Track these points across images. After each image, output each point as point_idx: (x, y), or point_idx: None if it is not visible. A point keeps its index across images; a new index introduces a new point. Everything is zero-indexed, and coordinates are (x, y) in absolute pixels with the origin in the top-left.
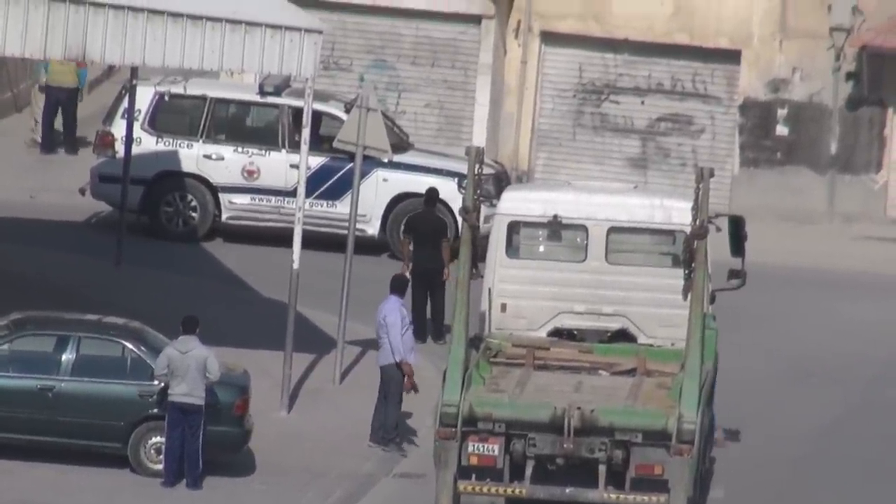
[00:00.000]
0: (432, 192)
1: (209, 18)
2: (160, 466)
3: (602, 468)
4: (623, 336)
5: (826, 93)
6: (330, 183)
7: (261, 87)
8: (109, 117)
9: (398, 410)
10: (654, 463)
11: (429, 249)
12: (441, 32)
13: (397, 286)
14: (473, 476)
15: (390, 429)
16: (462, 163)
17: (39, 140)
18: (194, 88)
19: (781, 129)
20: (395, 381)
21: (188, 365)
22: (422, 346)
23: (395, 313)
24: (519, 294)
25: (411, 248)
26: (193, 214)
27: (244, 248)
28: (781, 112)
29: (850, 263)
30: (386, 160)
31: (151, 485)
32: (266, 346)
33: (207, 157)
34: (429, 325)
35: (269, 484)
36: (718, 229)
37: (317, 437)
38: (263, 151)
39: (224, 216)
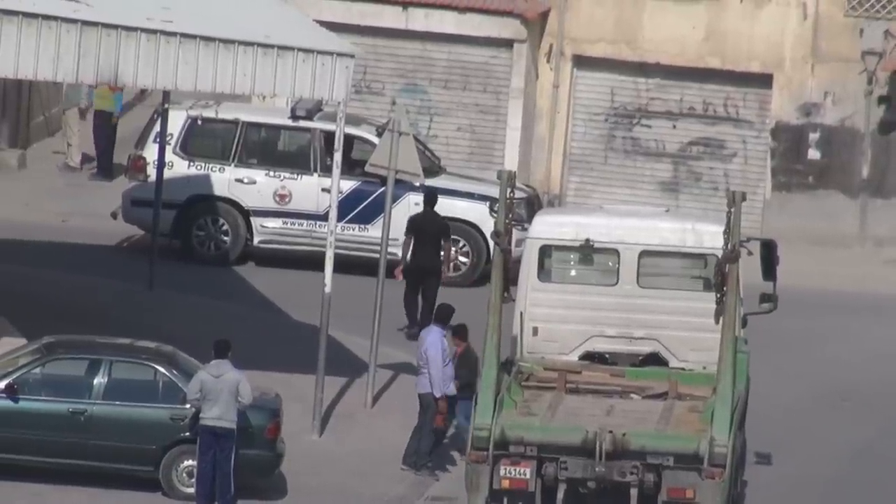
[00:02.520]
0: (432, 193)
1: (241, 42)
2: (192, 490)
3: (634, 492)
4: (655, 360)
5: (858, 117)
6: (362, 207)
7: (293, 111)
8: (141, 141)
9: (432, 438)
10: (685, 486)
11: (429, 249)
12: (473, 56)
13: (441, 316)
14: (505, 499)
15: (423, 454)
16: (494, 187)
17: (74, 164)
18: (226, 112)
19: (813, 153)
20: (432, 409)
21: (221, 389)
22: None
23: (436, 346)
24: (550, 318)
25: (412, 247)
26: (225, 238)
27: (276, 272)
28: (813, 136)
29: (882, 287)
30: (418, 184)
31: None
32: (298, 370)
33: (239, 181)
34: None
35: None
36: (750, 253)
37: (348, 461)
38: (295, 175)
39: (256, 240)
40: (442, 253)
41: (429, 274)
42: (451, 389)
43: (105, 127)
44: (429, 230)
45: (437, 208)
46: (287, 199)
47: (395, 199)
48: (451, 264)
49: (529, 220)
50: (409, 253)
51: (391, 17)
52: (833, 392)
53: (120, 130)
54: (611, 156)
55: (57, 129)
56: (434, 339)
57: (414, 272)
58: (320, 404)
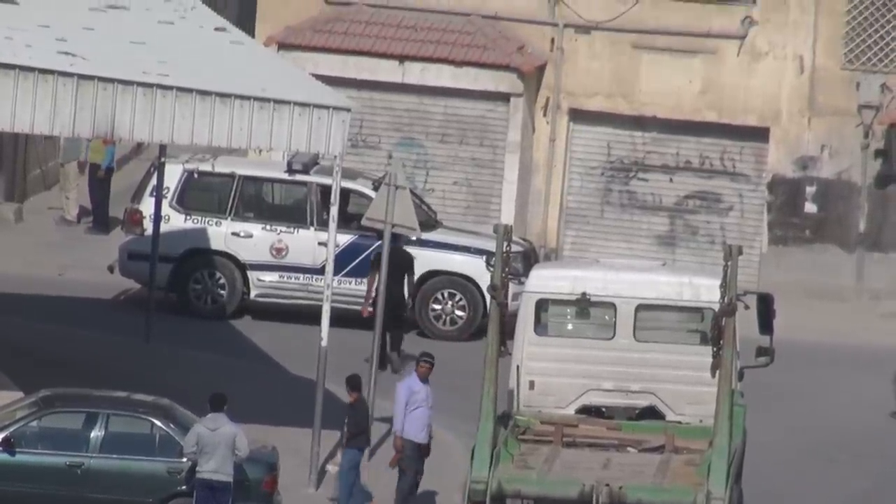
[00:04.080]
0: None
1: (238, 96)
2: None
3: None
4: (651, 413)
5: (855, 170)
6: (358, 260)
7: (289, 164)
8: (138, 195)
9: (406, 480)
10: None
11: (394, 281)
12: (469, 110)
13: (416, 366)
14: None
15: (401, 499)
16: (490, 240)
17: (71, 218)
18: (223, 166)
19: (810, 207)
20: (405, 454)
21: (217, 442)
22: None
23: (402, 388)
24: (547, 371)
25: (376, 283)
26: (222, 292)
27: (273, 325)
28: (810, 189)
29: (878, 340)
30: (414, 238)
31: None
32: (295, 424)
33: (236, 234)
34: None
35: None
36: (747, 307)
37: None
38: (292, 229)
39: (252, 294)
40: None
41: (396, 307)
42: (422, 437)
43: (98, 179)
44: (393, 262)
45: (428, 256)
46: (283, 253)
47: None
48: (447, 318)
49: (526, 273)
50: (375, 288)
51: (387, 71)
52: (829, 445)
53: (116, 184)
54: (607, 209)
55: (54, 183)
56: (403, 382)
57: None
58: (317, 458)
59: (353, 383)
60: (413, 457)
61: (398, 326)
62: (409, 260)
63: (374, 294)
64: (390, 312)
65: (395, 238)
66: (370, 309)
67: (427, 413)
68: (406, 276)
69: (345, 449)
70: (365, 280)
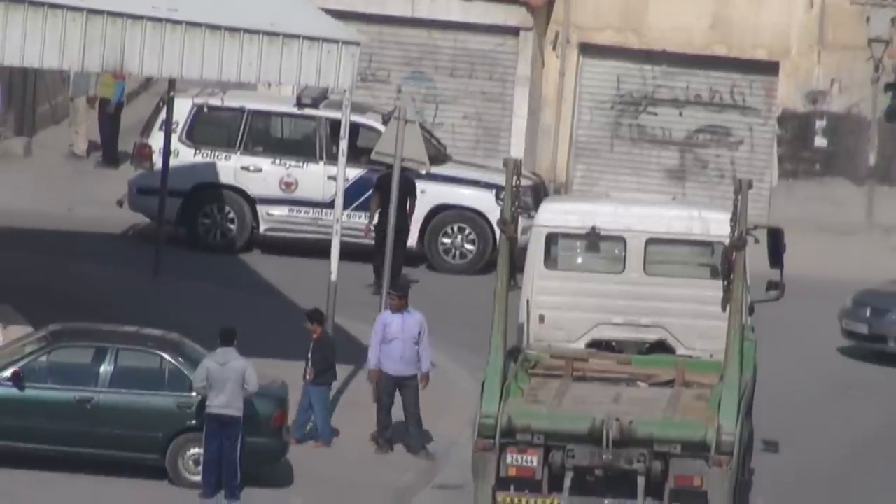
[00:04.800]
0: None
1: (247, 31)
2: (198, 478)
3: (641, 479)
4: (661, 347)
5: (864, 104)
6: (368, 194)
7: (298, 99)
8: (147, 129)
9: (378, 414)
10: (693, 474)
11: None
12: (479, 44)
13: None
14: (512, 487)
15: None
16: (500, 175)
17: (80, 152)
18: (232, 100)
19: (820, 141)
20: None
21: (227, 377)
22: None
23: (377, 322)
24: (557, 305)
25: (378, 206)
26: (231, 226)
27: (282, 259)
28: (820, 123)
29: (889, 274)
30: (424, 172)
31: (190, 496)
32: (304, 358)
33: (245, 168)
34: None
35: (307, 495)
36: (757, 241)
37: (355, 449)
38: (301, 163)
39: (262, 228)
40: (408, 210)
41: (397, 231)
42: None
43: (108, 115)
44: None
45: (438, 190)
46: (293, 187)
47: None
48: (457, 252)
49: (535, 207)
50: (377, 211)
51: (397, 5)
52: (840, 380)
53: (125, 119)
54: (617, 143)
55: (63, 118)
56: (378, 317)
57: (381, 231)
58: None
59: (316, 317)
60: (387, 390)
61: (399, 250)
62: (411, 184)
63: (375, 217)
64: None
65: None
66: (372, 232)
67: (403, 346)
68: (408, 200)
69: (312, 387)
70: None
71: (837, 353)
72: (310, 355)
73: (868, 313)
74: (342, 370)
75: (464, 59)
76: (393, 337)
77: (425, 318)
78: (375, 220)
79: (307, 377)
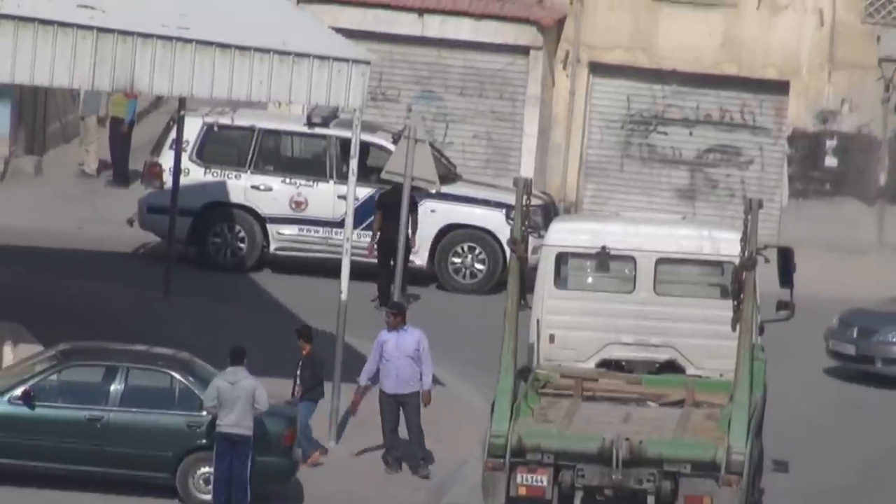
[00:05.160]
0: None
1: (257, 49)
2: (208, 497)
3: (651, 499)
4: (671, 367)
5: (875, 124)
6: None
7: (309, 118)
8: (157, 148)
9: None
10: (702, 494)
11: (397, 224)
12: (489, 63)
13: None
14: None
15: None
16: (510, 194)
17: (90, 171)
18: (242, 119)
19: (830, 161)
20: (380, 404)
21: (237, 396)
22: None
23: (376, 340)
24: (567, 325)
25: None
26: (241, 245)
27: (292, 279)
28: (830, 143)
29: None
30: (434, 191)
31: None
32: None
33: (255, 188)
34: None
35: None
36: (767, 260)
37: (365, 468)
38: (311, 182)
39: (272, 247)
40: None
41: (396, 249)
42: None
43: (121, 134)
44: (396, 206)
45: (448, 210)
46: (303, 206)
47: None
48: (467, 271)
49: (546, 227)
50: (379, 229)
51: (407, 24)
52: (849, 399)
53: (135, 137)
54: (627, 163)
55: (73, 136)
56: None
57: (385, 247)
58: (336, 411)
59: (306, 335)
60: (388, 409)
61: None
62: (413, 201)
63: (378, 234)
64: (392, 253)
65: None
66: (375, 249)
67: (398, 364)
68: (410, 217)
69: (301, 404)
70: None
71: (845, 372)
72: (298, 372)
73: (855, 334)
74: (352, 389)
75: (474, 79)
76: (389, 355)
77: (425, 336)
78: (377, 237)
79: (295, 394)
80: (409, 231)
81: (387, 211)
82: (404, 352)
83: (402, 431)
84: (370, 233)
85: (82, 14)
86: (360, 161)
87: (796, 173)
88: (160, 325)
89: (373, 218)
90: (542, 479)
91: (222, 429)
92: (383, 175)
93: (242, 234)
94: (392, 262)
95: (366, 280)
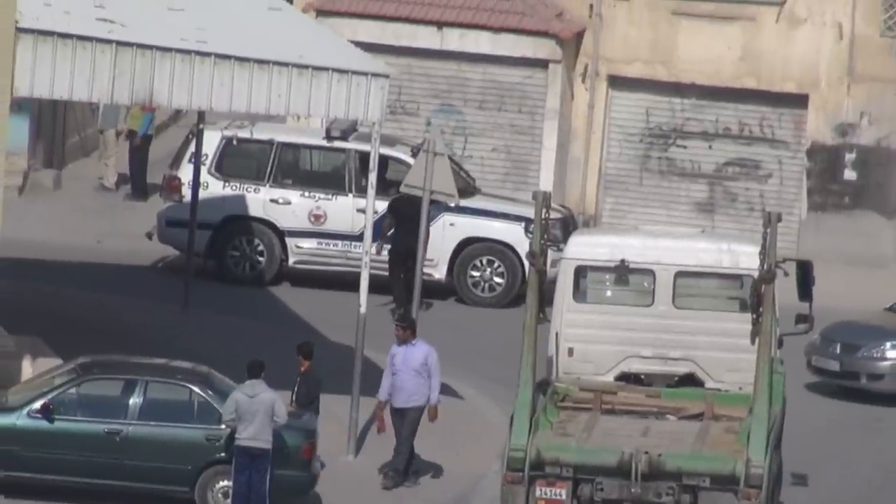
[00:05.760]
0: None
1: (276, 63)
2: None
3: None
4: (690, 380)
5: (894, 137)
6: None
7: (327, 131)
8: (176, 162)
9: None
10: None
11: (409, 231)
12: (508, 77)
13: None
14: None
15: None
16: (529, 207)
17: (109, 185)
18: (261, 133)
19: (849, 174)
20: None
21: (256, 409)
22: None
23: (389, 354)
24: (586, 338)
25: (392, 229)
26: (260, 259)
27: (311, 292)
28: (849, 156)
29: None
30: (453, 204)
31: None
32: (333, 391)
33: (274, 201)
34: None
35: None
36: (786, 274)
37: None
38: (330, 196)
39: (291, 260)
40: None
41: (411, 254)
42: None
43: (135, 147)
44: (408, 212)
45: (467, 223)
46: (322, 220)
47: (430, 219)
48: (486, 285)
49: (565, 240)
50: (391, 235)
51: (426, 38)
52: (868, 412)
53: (154, 151)
54: (646, 176)
55: (92, 150)
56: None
57: (396, 254)
58: (355, 425)
59: (306, 351)
60: (394, 421)
61: (412, 273)
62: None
63: (387, 237)
64: (405, 261)
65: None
66: (383, 250)
67: (405, 378)
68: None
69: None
70: None
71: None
72: (296, 388)
73: (838, 349)
74: (371, 402)
75: (493, 92)
76: (397, 369)
77: (434, 351)
78: (389, 247)
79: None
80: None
81: (398, 216)
82: (410, 366)
83: (417, 443)
84: (391, 246)
85: (101, 28)
86: (378, 175)
87: (815, 186)
88: (179, 339)
89: (382, 218)
90: (561, 492)
91: (241, 442)
92: (402, 188)
93: (261, 247)
94: (402, 274)
95: (385, 293)
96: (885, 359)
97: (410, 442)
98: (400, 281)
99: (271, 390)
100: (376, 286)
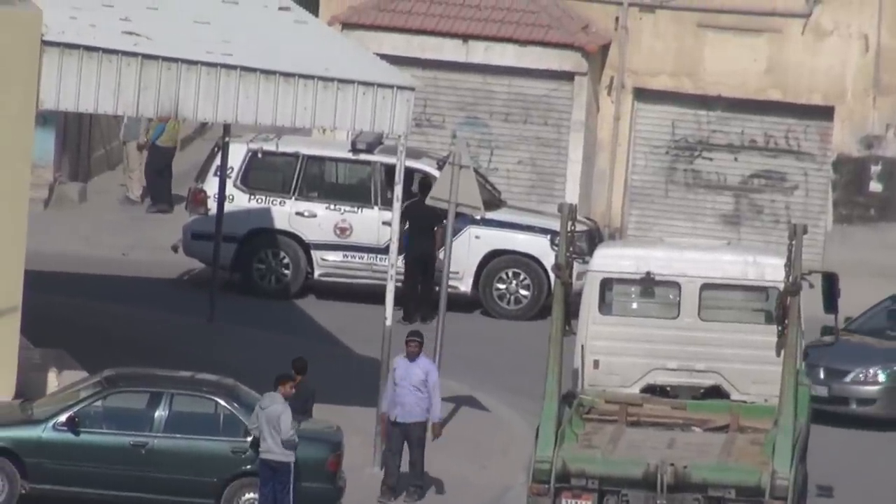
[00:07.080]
0: (425, 182)
1: (301, 76)
2: None
3: None
4: (716, 392)
5: None
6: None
7: (353, 144)
8: (202, 175)
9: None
10: None
11: (422, 236)
12: (533, 89)
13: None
14: None
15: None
16: (555, 220)
17: (134, 197)
18: (287, 146)
19: (875, 186)
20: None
21: (264, 422)
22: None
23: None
24: (612, 351)
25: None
26: (286, 272)
27: (337, 305)
28: (875, 168)
29: None
30: (478, 217)
31: None
32: (358, 403)
33: (300, 214)
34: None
35: None
36: (812, 286)
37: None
38: (356, 209)
39: (316, 273)
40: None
41: (426, 260)
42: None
43: (155, 158)
44: (422, 218)
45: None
46: (348, 233)
47: (455, 232)
48: (511, 297)
49: (590, 253)
50: (405, 242)
51: (451, 51)
52: (879, 436)
53: (180, 163)
54: (672, 188)
55: (117, 163)
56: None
57: (412, 260)
58: (381, 437)
59: (299, 366)
60: (390, 435)
61: (428, 279)
62: (437, 214)
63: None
64: (420, 266)
65: (423, 189)
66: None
67: (403, 392)
68: (435, 229)
69: None
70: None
71: None
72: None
73: (822, 374)
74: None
75: (518, 105)
76: (397, 382)
77: (435, 368)
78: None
79: None
80: (434, 245)
81: (413, 221)
82: (410, 381)
83: (444, 456)
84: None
85: (127, 41)
86: (404, 187)
87: (841, 198)
88: (204, 352)
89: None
90: None
91: (261, 455)
92: (428, 201)
93: (287, 260)
94: (419, 284)
95: None
96: (877, 383)
97: (421, 458)
98: (415, 293)
99: (281, 403)
100: (401, 298)
